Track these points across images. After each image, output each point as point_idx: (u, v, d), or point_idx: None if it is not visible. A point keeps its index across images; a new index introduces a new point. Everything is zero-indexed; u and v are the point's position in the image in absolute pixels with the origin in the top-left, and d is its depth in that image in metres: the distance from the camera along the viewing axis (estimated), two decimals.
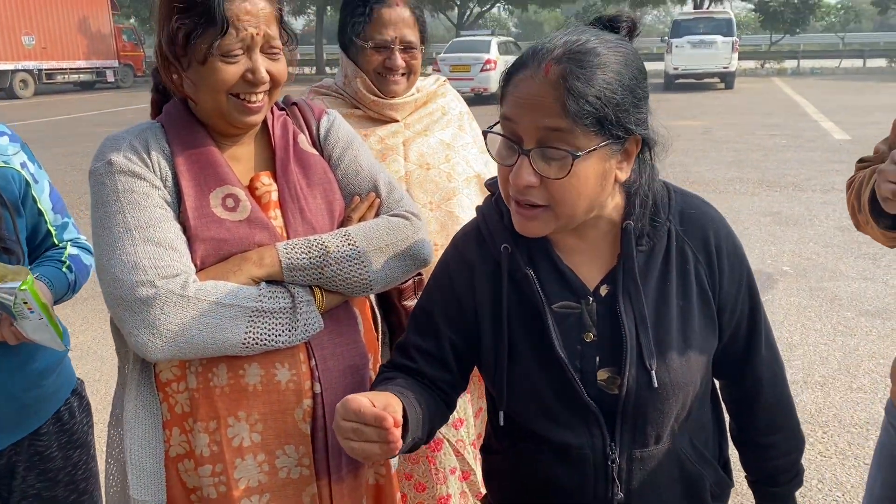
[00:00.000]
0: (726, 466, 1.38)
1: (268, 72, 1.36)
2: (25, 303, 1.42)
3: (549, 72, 1.06)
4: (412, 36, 1.94)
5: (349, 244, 1.40)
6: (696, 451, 1.28)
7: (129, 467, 1.37)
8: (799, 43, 38.49)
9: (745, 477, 1.44)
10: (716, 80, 23.01)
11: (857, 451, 3.25)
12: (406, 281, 1.72)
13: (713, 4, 34.72)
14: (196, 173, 1.37)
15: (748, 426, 1.39)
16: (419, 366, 1.30)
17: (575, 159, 1.07)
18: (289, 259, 1.36)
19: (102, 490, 1.72)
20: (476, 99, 18.05)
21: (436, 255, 1.82)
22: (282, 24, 1.40)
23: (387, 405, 1.07)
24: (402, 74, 1.96)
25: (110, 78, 28.73)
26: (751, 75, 28.75)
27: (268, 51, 1.36)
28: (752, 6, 38.13)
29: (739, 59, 23.80)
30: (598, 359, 1.20)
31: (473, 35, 25.19)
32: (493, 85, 18.89)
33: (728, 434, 1.42)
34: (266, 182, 1.44)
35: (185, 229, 1.35)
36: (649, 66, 1.20)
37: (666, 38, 23.27)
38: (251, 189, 1.42)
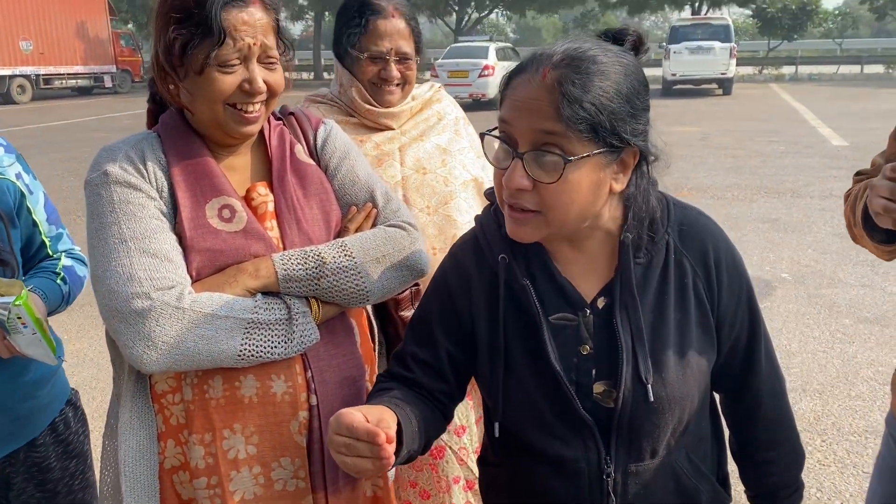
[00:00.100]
0: (725, 481, 1.38)
1: (265, 82, 1.35)
2: (19, 318, 1.41)
3: (546, 76, 1.07)
4: (407, 47, 1.94)
5: (346, 255, 1.40)
6: (692, 466, 1.27)
7: (123, 479, 1.36)
8: (797, 49, 38.64)
9: (745, 492, 1.43)
10: (714, 86, 23.06)
11: (855, 460, 3.24)
12: (403, 291, 1.71)
13: (711, 10, 34.83)
14: (192, 184, 1.37)
15: (748, 441, 1.38)
16: (416, 376, 1.29)
17: (567, 164, 1.07)
18: (285, 270, 1.35)
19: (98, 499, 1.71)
20: (474, 105, 18.06)
21: (434, 260, 1.82)
22: (279, 33, 1.39)
23: (380, 420, 1.07)
24: (397, 85, 1.96)
25: (108, 83, 28.74)
26: (749, 81, 28.82)
27: (265, 61, 1.36)
28: (750, 12, 38.25)
29: (737, 65, 23.86)
30: (594, 371, 1.20)
31: (471, 41, 25.25)
32: (491, 91, 18.92)
33: (727, 449, 1.41)
34: (262, 192, 1.43)
35: (181, 240, 1.34)
36: (647, 71, 1.20)
37: (664, 44, 23.31)
38: (247, 199, 1.42)
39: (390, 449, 1.04)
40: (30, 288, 1.55)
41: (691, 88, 23.09)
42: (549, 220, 1.13)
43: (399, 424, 1.14)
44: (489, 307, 1.25)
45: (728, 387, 1.35)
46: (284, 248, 1.40)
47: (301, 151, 1.50)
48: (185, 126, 1.41)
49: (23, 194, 1.63)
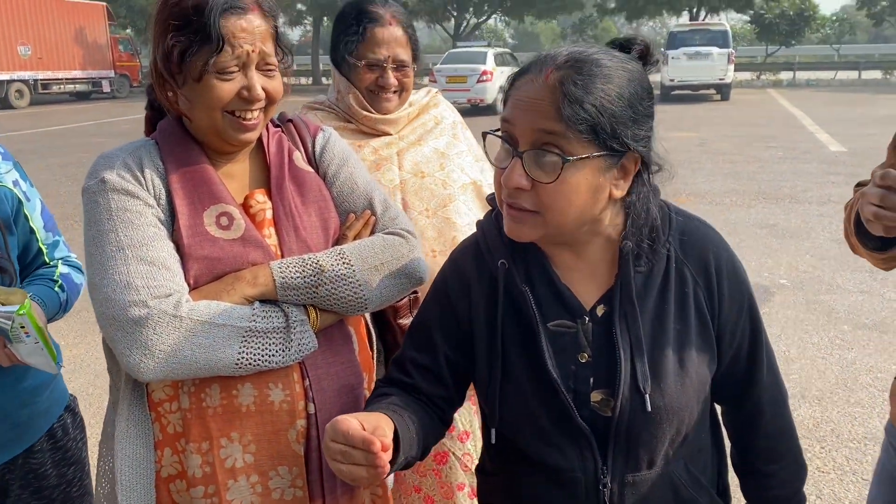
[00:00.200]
0: (725, 493, 1.37)
1: (263, 89, 1.35)
2: (22, 327, 1.41)
3: (549, 77, 1.08)
4: (405, 55, 1.95)
5: (344, 263, 1.39)
6: (691, 477, 1.26)
7: (119, 487, 1.35)
8: (794, 54, 38.76)
9: None
10: (712, 91, 23.12)
11: (855, 467, 3.23)
12: (401, 299, 1.71)
13: (709, 16, 34.93)
14: (190, 191, 1.36)
15: (748, 453, 1.37)
16: (415, 381, 1.29)
17: (565, 164, 1.07)
18: (283, 278, 1.35)
19: None
20: (472, 110, 18.09)
21: (433, 262, 1.82)
22: (277, 41, 1.39)
23: (376, 428, 1.06)
24: (395, 92, 1.97)
25: (106, 88, 28.75)
26: (747, 87, 28.90)
27: (263, 68, 1.36)
28: (748, 18, 38.37)
29: (735, 70, 23.96)
30: (592, 380, 1.19)
31: (470, 46, 25.31)
32: (490, 96, 18.96)
33: (728, 460, 1.40)
34: (261, 200, 1.43)
35: (179, 248, 1.34)
36: None
37: (662, 49, 23.38)
38: (245, 207, 1.41)
39: (385, 457, 1.04)
40: (30, 296, 1.55)
41: (689, 94, 23.14)
42: (546, 220, 1.12)
43: (396, 431, 1.13)
44: (488, 312, 1.25)
45: (729, 397, 1.34)
46: (282, 256, 1.39)
47: (299, 158, 1.50)
48: (183, 133, 1.41)
49: (20, 201, 1.63)
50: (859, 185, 1.60)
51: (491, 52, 20.35)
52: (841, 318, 4.93)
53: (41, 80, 26.07)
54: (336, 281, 1.38)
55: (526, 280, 1.22)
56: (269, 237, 1.41)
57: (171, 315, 1.26)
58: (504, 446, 1.28)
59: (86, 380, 4.22)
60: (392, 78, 1.94)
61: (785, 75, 32.24)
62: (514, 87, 1.14)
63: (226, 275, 1.34)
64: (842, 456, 3.32)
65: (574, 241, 1.21)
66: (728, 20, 36.18)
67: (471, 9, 40.97)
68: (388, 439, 1.06)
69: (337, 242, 1.47)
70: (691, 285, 1.22)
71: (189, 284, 1.32)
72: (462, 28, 41.77)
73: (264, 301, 1.35)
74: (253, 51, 1.32)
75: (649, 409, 1.15)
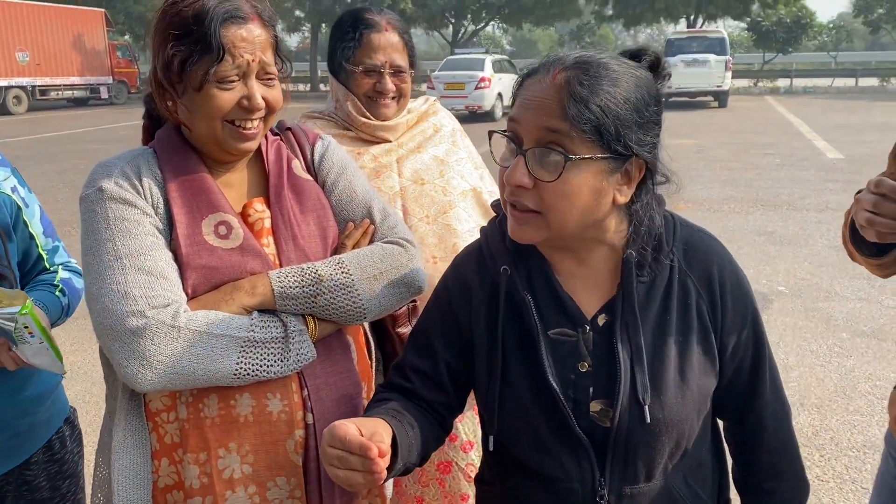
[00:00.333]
0: None
1: (263, 98, 1.35)
2: (26, 327, 1.40)
3: (556, 77, 1.09)
4: (401, 60, 1.95)
5: (343, 272, 1.39)
6: (690, 490, 1.25)
7: (115, 497, 1.34)
8: (791, 62, 38.85)
9: None
10: (709, 98, 23.17)
11: (854, 476, 3.23)
12: (400, 308, 1.70)
13: (706, 24, 35.02)
14: (188, 200, 1.36)
15: (749, 469, 1.35)
16: (415, 387, 1.29)
17: (568, 162, 1.07)
18: (281, 288, 1.34)
19: None
20: (470, 116, 18.10)
21: (434, 269, 1.81)
22: (277, 50, 1.39)
23: (374, 433, 1.06)
24: (393, 98, 1.98)
25: (104, 94, 28.73)
26: (744, 94, 28.96)
27: (263, 77, 1.36)
28: (745, 25, 38.46)
29: (733, 77, 24.01)
30: (591, 389, 1.18)
31: (468, 53, 25.36)
32: (488, 103, 18.98)
33: (730, 476, 1.38)
34: (259, 209, 1.42)
35: (177, 257, 1.33)
36: None
37: None
38: (244, 216, 1.41)
39: (382, 463, 1.03)
40: (31, 298, 1.55)
41: (687, 101, 23.19)
42: (548, 221, 1.12)
43: (394, 437, 1.13)
44: (489, 318, 1.24)
45: (731, 412, 1.32)
46: (281, 265, 1.39)
47: (298, 167, 1.49)
48: (182, 142, 1.40)
49: (19, 207, 1.62)
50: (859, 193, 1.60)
51: (489, 59, 20.37)
52: (839, 326, 4.93)
53: (39, 86, 26.05)
54: (335, 290, 1.37)
55: (528, 287, 1.21)
56: (268, 246, 1.40)
57: (169, 325, 1.25)
58: (502, 455, 1.27)
59: (83, 387, 4.20)
60: (390, 83, 1.94)
61: (782, 82, 32.30)
62: (521, 88, 1.15)
63: (224, 284, 1.34)
64: (841, 465, 3.31)
65: (577, 248, 1.21)
66: (725, 27, 36.26)
67: (469, 16, 41.05)
68: (386, 445, 1.06)
69: (336, 251, 1.47)
70: (694, 297, 1.21)
71: (187, 294, 1.32)
72: (460, 35, 41.85)
73: (263, 311, 1.35)
74: (253, 60, 1.32)
75: (648, 420, 1.14)
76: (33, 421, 1.67)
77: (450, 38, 41.76)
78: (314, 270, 1.37)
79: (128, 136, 15.99)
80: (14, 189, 1.63)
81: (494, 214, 1.33)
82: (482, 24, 43.28)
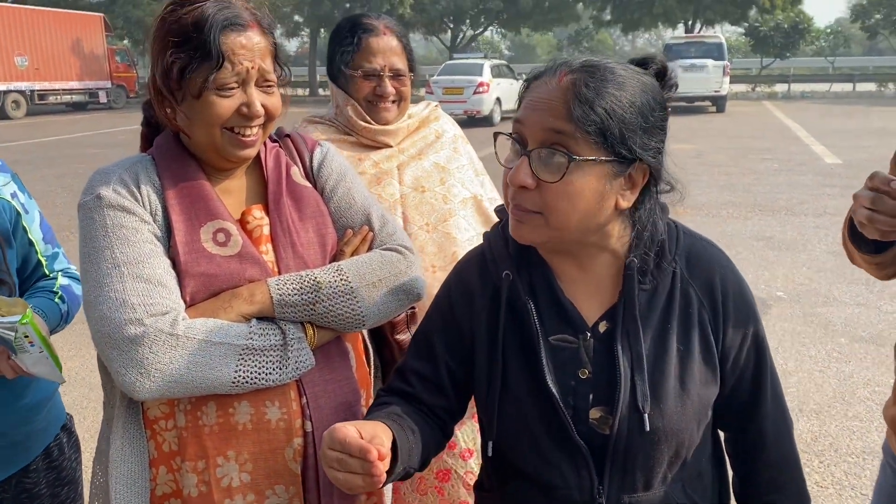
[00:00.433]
0: None
1: (262, 105, 1.35)
2: (26, 336, 1.40)
3: (562, 79, 1.09)
4: (401, 63, 1.96)
5: (341, 279, 1.38)
6: (689, 501, 1.24)
7: None
8: (789, 67, 38.96)
9: None
10: (707, 103, 23.21)
11: (854, 482, 3.22)
12: (399, 315, 1.70)
13: (704, 29, 35.11)
14: (186, 207, 1.35)
15: (749, 482, 1.34)
16: (416, 391, 1.28)
17: (571, 163, 1.07)
18: (280, 295, 1.34)
19: None
20: (469, 121, 18.12)
21: (433, 278, 1.81)
22: (276, 57, 1.39)
23: (374, 436, 1.06)
24: (393, 102, 1.98)
25: (103, 99, 28.74)
26: (742, 99, 29.02)
27: (262, 84, 1.35)
28: (743, 30, 38.57)
29: (731, 82, 24.07)
30: (591, 396, 1.18)
31: (466, 58, 25.38)
32: (486, 107, 19.00)
33: (731, 487, 1.37)
34: (258, 216, 1.42)
35: (175, 264, 1.33)
36: None
37: None
38: (243, 223, 1.40)
39: (382, 466, 1.03)
40: (30, 306, 1.54)
41: (685, 106, 23.23)
42: (549, 222, 1.12)
43: (395, 440, 1.12)
44: (490, 323, 1.24)
45: (732, 423, 1.31)
46: (279, 272, 1.38)
47: (297, 174, 1.49)
48: (180, 149, 1.40)
49: (18, 214, 1.62)
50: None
51: (487, 64, 20.41)
52: (838, 331, 4.93)
53: (38, 90, 26.06)
54: (333, 298, 1.37)
55: (529, 292, 1.21)
56: (267, 253, 1.40)
57: (168, 333, 1.25)
58: (501, 462, 1.27)
59: (80, 393, 4.19)
60: (390, 87, 1.94)
61: (780, 87, 32.38)
62: (528, 90, 1.15)
63: (222, 292, 1.33)
64: (840, 471, 3.31)
65: (580, 253, 1.20)
66: (723, 32, 36.33)
67: (467, 21, 41.14)
68: (386, 448, 1.06)
69: (334, 258, 1.46)
70: (696, 306, 1.21)
71: (185, 302, 1.31)
72: (458, 40, 41.93)
73: (261, 318, 1.34)
74: (252, 67, 1.32)
75: (648, 428, 1.14)
76: (30, 429, 1.66)
77: (448, 43, 41.83)
78: (313, 278, 1.37)
79: (126, 140, 15.99)
80: (14, 195, 1.62)
81: (496, 222, 1.33)
82: (481, 29, 43.37)
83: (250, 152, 1.38)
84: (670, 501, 1.22)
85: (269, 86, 1.36)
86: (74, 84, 27.52)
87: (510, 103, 19.83)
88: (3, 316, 1.40)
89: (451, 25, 41.31)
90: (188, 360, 1.25)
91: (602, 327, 1.20)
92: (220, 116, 1.31)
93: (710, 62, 22.06)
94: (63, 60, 26.91)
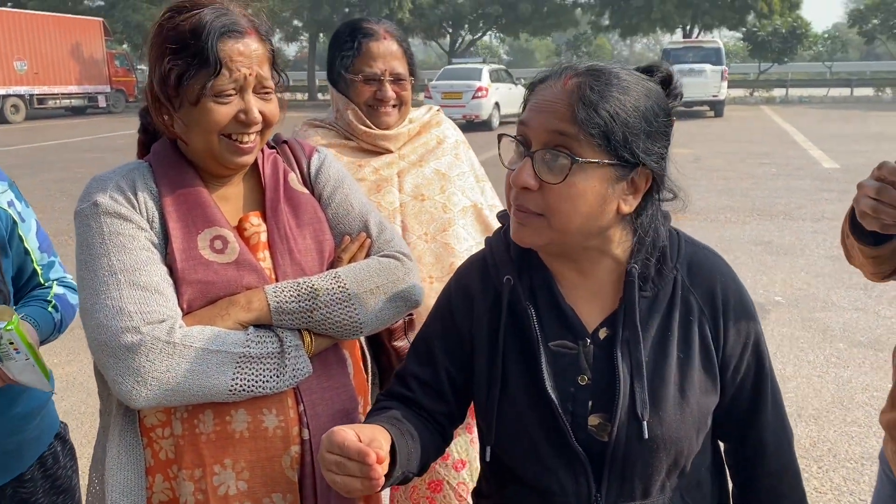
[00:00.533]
0: None
1: (260, 112, 1.35)
2: (11, 343, 1.39)
3: (567, 82, 1.10)
4: (401, 67, 1.96)
5: (339, 286, 1.38)
6: None
7: None
8: (787, 72, 39.05)
9: None
10: (705, 108, 23.24)
11: (852, 487, 3.22)
12: (396, 321, 1.70)
13: (702, 34, 35.16)
14: (184, 214, 1.35)
15: (749, 492, 1.33)
16: (416, 395, 1.28)
17: (574, 164, 1.07)
18: (277, 303, 1.33)
19: None
20: (468, 126, 18.13)
21: (430, 289, 1.81)
22: (273, 64, 1.39)
23: (372, 439, 1.06)
24: (394, 106, 1.98)
25: (102, 103, 28.76)
26: (740, 103, 29.05)
27: (260, 91, 1.35)
28: (741, 35, 38.63)
29: (728, 87, 24.08)
30: (590, 403, 1.18)
31: (465, 63, 25.41)
32: (485, 112, 19.02)
33: (730, 498, 1.36)
34: (255, 223, 1.42)
35: (172, 272, 1.32)
36: None
37: None
38: (240, 230, 1.40)
39: (380, 469, 1.03)
40: (21, 316, 1.53)
41: (683, 110, 23.23)
42: (551, 224, 1.12)
43: (394, 444, 1.12)
44: (490, 328, 1.24)
45: (730, 434, 1.31)
46: (277, 279, 1.38)
47: (294, 180, 1.49)
48: (178, 156, 1.40)
49: (15, 222, 1.62)
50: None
51: (486, 69, 20.43)
52: (836, 336, 4.93)
53: (37, 94, 26.07)
54: (331, 305, 1.37)
55: (530, 297, 1.21)
56: (264, 260, 1.40)
57: (165, 341, 1.25)
58: (499, 468, 1.27)
59: (78, 398, 4.18)
60: (390, 91, 1.94)
61: (778, 92, 32.43)
62: (533, 93, 1.16)
63: (220, 299, 1.33)
64: (839, 476, 3.30)
65: (581, 259, 1.20)
66: (721, 37, 36.39)
67: (466, 26, 41.19)
68: (384, 451, 1.06)
69: (332, 265, 1.46)
70: (697, 314, 1.21)
71: (182, 309, 1.31)
72: (457, 45, 41.97)
73: (258, 326, 1.34)
74: (250, 74, 1.32)
75: (646, 436, 1.14)
76: (22, 438, 1.66)
77: (447, 48, 41.87)
78: (310, 285, 1.36)
79: (126, 144, 15.97)
80: (11, 203, 1.62)
81: (494, 230, 1.33)
82: (479, 34, 43.42)
83: (248, 159, 1.38)
84: None
85: (266, 92, 1.36)
86: (74, 88, 27.53)
87: (509, 108, 19.86)
88: None
89: (450, 30, 41.37)
90: (185, 368, 1.25)
91: (602, 334, 1.20)
92: (218, 123, 1.31)
93: (708, 67, 22.09)
94: (62, 65, 26.93)
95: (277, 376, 1.31)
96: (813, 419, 3.81)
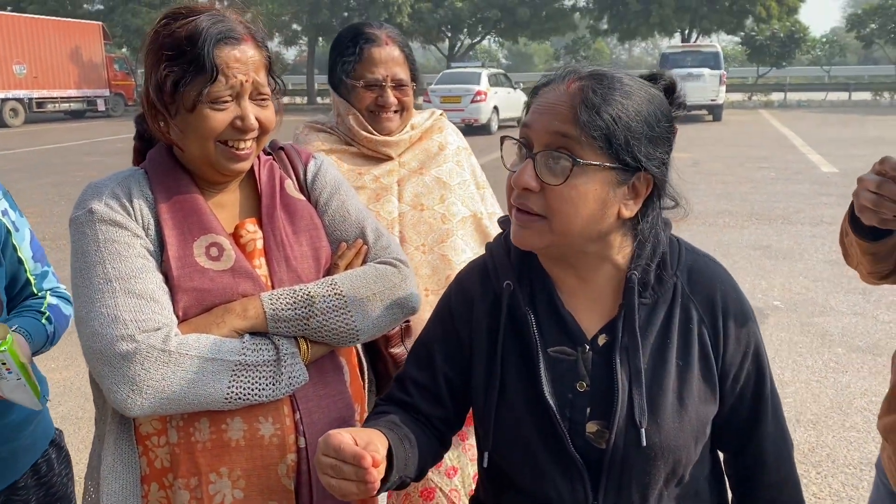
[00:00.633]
0: None
1: (256, 118, 1.34)
2: (4, 364, 1.39)
3: (571, 85, 1.11)
4: (403, 73, 1.94)
5: (335, 293, 1.38)
6: None
7: None
8: (785, 76, 39.10)
9: None
10: (704, 112, 23.25)
11: (851, 493, 3.21)
12: (393, 328, 1.69)
13: (700, 38, 35.22)
14: (179, 221, 1.35)
15: (748, 503, 1.33)
16: (414, 400, 1.28)
17: (575, 166, 1.08)
18: (273, 310, 1.33)
19: None
20: (466, 130, 18.11)
21: (426, 301, 1.80)
22: (270, 70, 1.38)
23: (368, 443, 1.05)
24: (395, 112, 1.96)
25: (101, 107, 28.75)
26: (738, 107, 29.07)
27: (256, 98, 1.35)
28: (739, 40, 38.68)
29: (727, 91, 24.13)
30: (588, 410, 1.17)
31: (464, 67, 25.45)
32: (484, 116, 19.04)
33: None
34: (251, 230, 1.41)
35: (168, 279, 1.32)
36: None
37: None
38: (236, 237, 1.40)
39: (376, 473, 1.03)
40: (14, 328, 1.53)
41: (682, 114, 23.22)
42: (552, 226, 1.12)
43: (391, 449, 1.12)
44: (489, 333, 1.24)
45: (730, 444, 1.30)
46: (273, 286, 1.38)
47: (291, 186, 1.48)
48: (173, 162, 1.39)
49: (8, 231, 1.61)
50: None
51: (485, 73, 20.46)
52: (835, 341, 4.93)
53: (36, 98, 26.07)
54: (327, 312, 1.36)
55: (530, 303, 1.21)
56: (260, 267, 1.39)
57: (160, 349, 1.24)
58: (496, 474, 1.26)
59: (75, 403, 4.16)
60: (392, 97, 1.93)
61: (776, 96, 32.43)
62: (536, 97, 1.16)
63: (215, 307, 1.33)
64: (838, 482, 3.29)
65: (581, 264, 1.20)
66: (719, 42, 36.49)
67: (465, 30, 41.22)
68: (381, 455, 1.06)
69: (328, 272, 1.46)
70: (696, 322, 1.20)
71: (178, 317, 1.30)
72: (456, 49, 42.00)
73: (254, 333, 1.33)
74: (246, 81, 1.32)
75: (644, 443, 1.13)
76: (16, 446, 1.65)
77: (446, 52, 41.91)
78: (306, 292, 1.36)
79: (124, 148, 15.88)
80: (5, 212, 1.61)
81: (492, 240, 1.33)
82: (478, 39, 43.45)
83: (244, 166, 1.37)
84: None
85: (263, 99, 1.36)
86: (73, 92, 27.52)
87: (507, 112, 19.88)
88: None
89: (449, 34, 41.40)
90: (181, 376, 1.24)
91: (601, 340, 1.20)
92: (214, 130, 1.31)
93: (706, 71, 22.14)
94: (61, 68, 26.94)
95: (273, 384, 1.31)
96: (811, 424, 3.81)
